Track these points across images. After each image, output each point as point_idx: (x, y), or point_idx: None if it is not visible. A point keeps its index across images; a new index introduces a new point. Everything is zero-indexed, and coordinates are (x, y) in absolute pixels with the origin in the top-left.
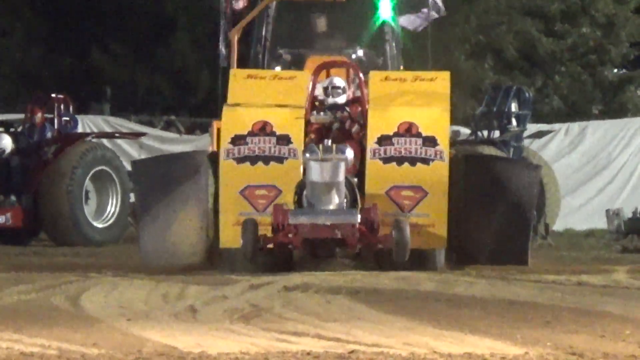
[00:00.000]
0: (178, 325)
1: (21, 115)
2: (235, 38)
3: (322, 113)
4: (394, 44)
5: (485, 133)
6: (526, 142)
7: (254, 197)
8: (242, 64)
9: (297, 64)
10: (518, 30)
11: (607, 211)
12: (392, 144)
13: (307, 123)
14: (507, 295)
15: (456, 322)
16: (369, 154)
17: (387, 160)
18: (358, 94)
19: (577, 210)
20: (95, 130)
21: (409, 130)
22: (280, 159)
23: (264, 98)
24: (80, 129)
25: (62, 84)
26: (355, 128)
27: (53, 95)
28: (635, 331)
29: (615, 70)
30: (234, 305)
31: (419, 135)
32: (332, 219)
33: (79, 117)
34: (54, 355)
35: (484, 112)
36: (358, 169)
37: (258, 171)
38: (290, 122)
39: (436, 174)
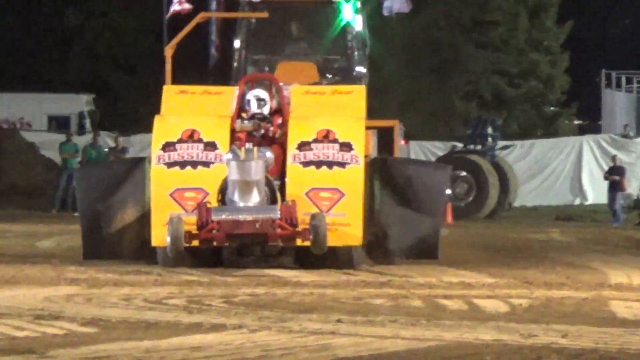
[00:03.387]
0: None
1: None
2: (169, 53)
3: (246, 121)
4: (357, 48)
5: (472, 147)
6: (497, 152)
7: (182, 199)
8: (228, 67)
9: (269, 68)
10: (492, 83)
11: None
12: (311, 149)
13: (233, 131)
14: (482, 245)
15: (453, 262)
16: (289, 159)
17: (306, 164)
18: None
19: (527, 194)
20: None
21: (326, 136)
22: (207, 164)
23: (193, 109)
24: None
25: None
26: (277, 134)
27: None
28: (564, 269)
29: (552, 108)
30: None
31: (335, 141)
32: (253, 214)
33: None
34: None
35: (471, 133)
36: (280, 173)
37: (187, 175)
38: (216, 130)
39: (352, 176)
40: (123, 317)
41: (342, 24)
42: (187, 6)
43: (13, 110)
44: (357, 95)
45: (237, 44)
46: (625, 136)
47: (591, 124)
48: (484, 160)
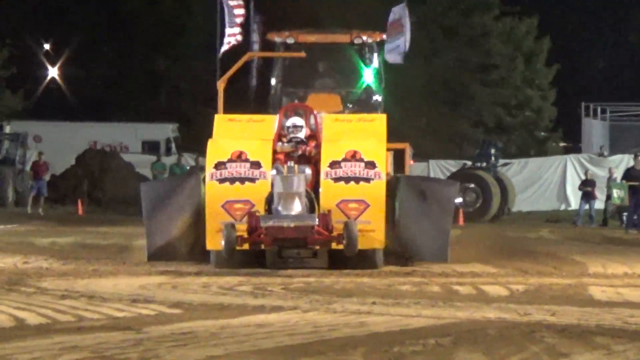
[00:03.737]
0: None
1: None
2: (222, 86)
3: (286, 144)
4: (374, 82)
5: (478, 164)
6: (499, 168)
7: (232, 209)
8: (264, 97)
9: (301, 99)
10: (494, 113)
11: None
12: (341, 167)
13: (275, 152)
14: (487, 242)
15: (464, 256)
16: (322, 175)
17: (337, 179)
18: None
19: (523, 201)
20: None
21: (354, 156)
22: (253, 180)
23: (240, 134)
24: None
25: None
26: (312, 155)
27: None
28: (552, 260)
29: (542, 133)
30: None
31: (361, 160)
32: (295, 222)
33: None
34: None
35: (478, 153)
36: (314, 188)
37: (236, 189)
38: (260, 151)
39: (376, 190)
40: (202, 301)
41: (364, 86)
42: (237, 40)
43: (114, 137)
44: (379, 122)
45: (274, 78)
46: (600, 155)
47: (573, 145)
48: (488, 174)
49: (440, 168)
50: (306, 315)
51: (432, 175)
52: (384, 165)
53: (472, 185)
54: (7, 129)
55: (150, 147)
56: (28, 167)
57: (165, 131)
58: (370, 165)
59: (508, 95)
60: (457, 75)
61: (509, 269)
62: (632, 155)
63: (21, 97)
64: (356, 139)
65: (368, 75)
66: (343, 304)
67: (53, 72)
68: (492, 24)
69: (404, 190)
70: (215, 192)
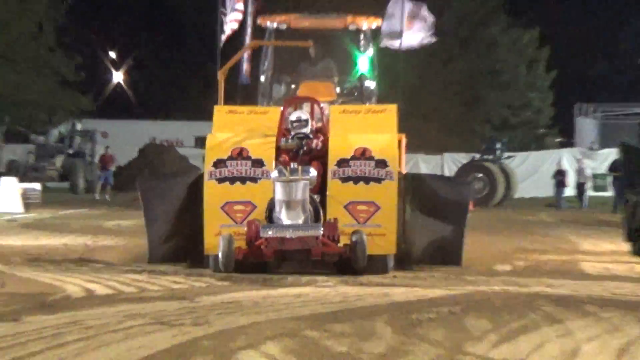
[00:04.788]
0: None
1: None
2: (222, 77)
3: (290, 140)
4: (368, 70)
5: (486, 157)
6: (504, 160)
7: (232, 211)
8: (254, 85)
9: (289, 87)
10: (500, 113)
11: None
12: (349, 166)
13: (278, 149)
14: (493, 225)
15: (472, 236)
16: (329, 175)
17: (345, 179)
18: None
19: (524, 189)
20: None
21: (363, 154)
22: (254, 179)
23: (242, 129)
24: None
25: None
26: (318, 149)
27: None
28: (549, 240)
29: (542, 130)
30: None
31: (371, 158)
32: (298, 232)
33: None
34: None
35: (486, 147)
36: (320, 187)
37: (236, 189)
38: (263, 148)
39: (387, 191)
40: (247, 275)
41: (358, 75)
42: (234, 27)
43: (171, 133)
44: (389, 113)
45: (264, 66)
46: (591, 149)
47: (568, 141)
48: (494, 166)
49: (453, 160)
50: (336, 288)
51: (445, 166)
52: (396, 163)
53: (480, 175)
54: (79, 127)
55: (202, 142)
56: (96, 160)
57: None
58: (381, 164)
59: (513, 98)
60: (470, 80)
61: (511, 247)
62: (618, 149)
63: (91, 98)
64: (365, 132)
65: (363, 63)
66: (369, 278)
67: (118, 76)
68: (500, 36)
69: (415, 189)
70: (214, 193)
